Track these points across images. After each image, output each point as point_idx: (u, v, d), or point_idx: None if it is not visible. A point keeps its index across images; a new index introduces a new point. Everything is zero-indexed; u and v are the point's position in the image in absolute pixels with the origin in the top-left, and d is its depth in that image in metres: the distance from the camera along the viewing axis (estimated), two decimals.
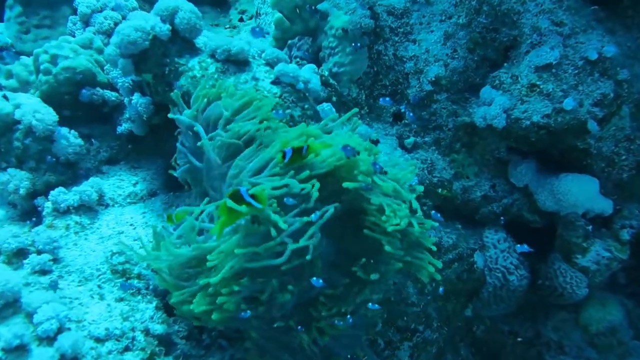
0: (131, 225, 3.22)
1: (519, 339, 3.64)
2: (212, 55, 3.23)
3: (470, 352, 3.55)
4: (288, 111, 2.93)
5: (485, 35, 3.40)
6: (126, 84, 3.42)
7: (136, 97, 3.37)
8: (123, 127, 3.66)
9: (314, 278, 2.22)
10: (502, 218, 3.52)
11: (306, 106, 3.22)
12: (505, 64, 3.41)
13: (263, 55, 3.40)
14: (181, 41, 3.25)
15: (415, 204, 2.39)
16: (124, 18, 3.94)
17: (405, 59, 3.60)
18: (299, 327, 2.34)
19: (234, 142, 2.54)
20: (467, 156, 3.56)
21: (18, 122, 3.36)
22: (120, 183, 3.51)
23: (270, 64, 3.34)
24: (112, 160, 3.66)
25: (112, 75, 3.69)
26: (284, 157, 2.29)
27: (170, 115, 2.87)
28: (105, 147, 3.66)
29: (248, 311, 2.19)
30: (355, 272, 2.34)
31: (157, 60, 3.21)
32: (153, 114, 3.41)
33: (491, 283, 3.45)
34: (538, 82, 3.22)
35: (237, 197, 2.07)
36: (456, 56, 3.48)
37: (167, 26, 3.15)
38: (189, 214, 2.41)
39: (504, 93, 3.30)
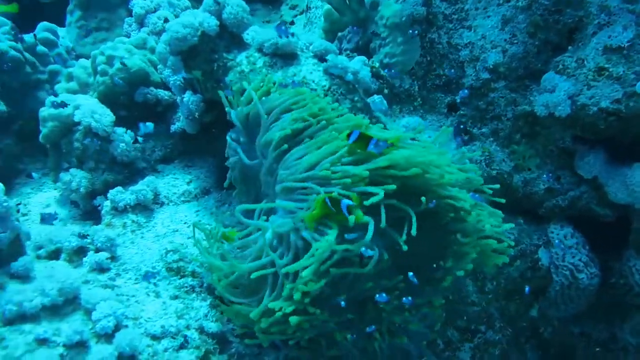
0: (185, 223, 3.25)
1: (596, 348, 3.40)
2: (260, 49, 3.20)
3: (537, 355, 3.37)
4: (337, 104, 2.85)
5: (547, 18, 3.21)
6: (177, 82, 3.45)
7: (187, 95, 3.39)
8: (176, 126, 3.71)
9: (377, 295, 2.22)
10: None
11: (356, 98, 3.14)
12: (569, 48, 3.20)
13: (311, 47, 3.34)
14: (229, 36, 3.24)
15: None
16: (176, 17, 3.98)
17: (460, 47, 3.47)
18: (350, 335, 2.33)
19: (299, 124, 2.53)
20: (528, 147, 3.38)
21: (77, 123, 3.46)
22: (174, 182, 3.56)
23: (319, 56, 3.28)
24: (166, 159, 3.72)
25: (164, 74, 3.74)
26: (348, 136, 2.26)
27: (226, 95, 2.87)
28: (160, 146, 3.72)
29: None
30: (424, 272, 2.31)
31: (206, 56, 3.21)
32: (204, 112, 3.42)
33: (558, 281, 3.26)
34: (607, 65, 3.01)
35: (334, 202, 2.12)
36: (515, 41, 3.31)
37: (215, 21, 3.14)
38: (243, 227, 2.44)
39: (568, 78, 3.10)
